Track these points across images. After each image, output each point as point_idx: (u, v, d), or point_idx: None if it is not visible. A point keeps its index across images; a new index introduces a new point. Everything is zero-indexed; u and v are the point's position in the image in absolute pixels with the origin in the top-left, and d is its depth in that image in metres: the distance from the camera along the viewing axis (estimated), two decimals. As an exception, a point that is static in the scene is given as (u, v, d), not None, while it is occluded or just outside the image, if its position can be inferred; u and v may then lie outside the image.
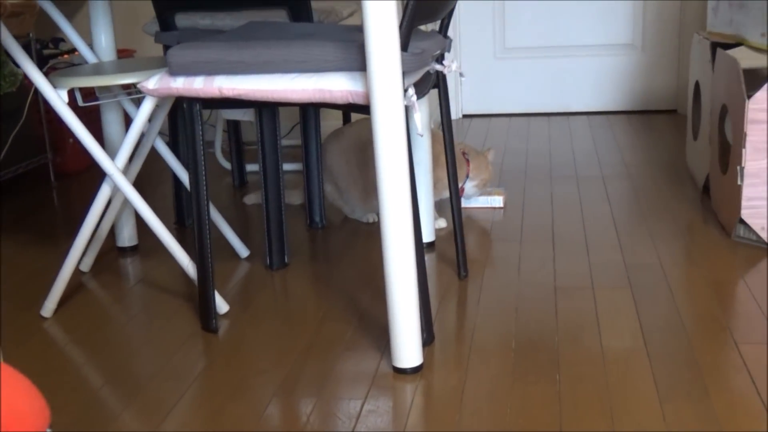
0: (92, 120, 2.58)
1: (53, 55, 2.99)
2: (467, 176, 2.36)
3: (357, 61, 1.47)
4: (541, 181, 2.66)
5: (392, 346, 1.52)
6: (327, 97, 1.49)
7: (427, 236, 2.14)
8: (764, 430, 1.30)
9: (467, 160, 2.35)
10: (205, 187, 1.64)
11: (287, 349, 1.64)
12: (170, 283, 2.00)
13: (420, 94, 1.65)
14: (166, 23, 2.26)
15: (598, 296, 1.80)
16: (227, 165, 2.99)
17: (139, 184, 2.71)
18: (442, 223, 2.29)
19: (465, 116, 3.70)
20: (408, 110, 1.50)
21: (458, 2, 3.57)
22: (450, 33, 3.57)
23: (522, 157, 2.97)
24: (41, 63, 2.90)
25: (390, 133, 1.40)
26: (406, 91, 1.47)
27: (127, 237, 2.23)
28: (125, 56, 3.16)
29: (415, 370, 1.53)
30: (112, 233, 2.25)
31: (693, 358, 1.52)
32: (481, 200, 2.45)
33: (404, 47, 1.45)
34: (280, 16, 2.34)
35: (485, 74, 3.65)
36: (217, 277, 2.02)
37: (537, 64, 3.60)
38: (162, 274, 2.06)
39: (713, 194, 2.30)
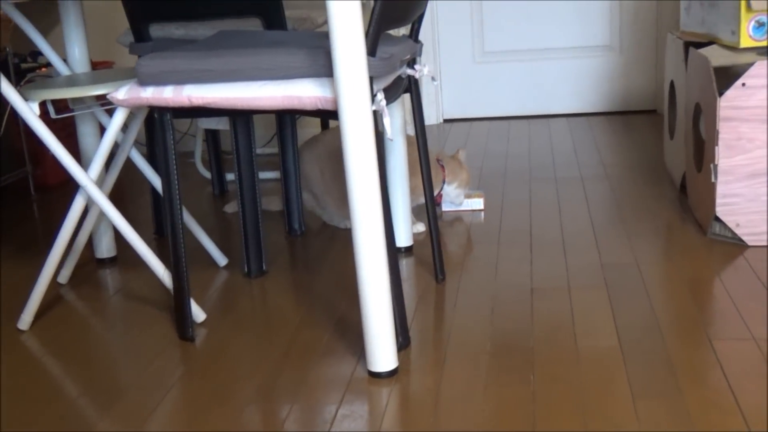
0: (71, 133, 2.58)
1: (31, 69, 2.98)
2: (443, 181, 2.36)
3: (325, 67, 1.48)
4: (520, 184, 2.67)
5: (367, 351, 1.52)
6: (296, 104, 1.49)
7: (405, 241, 2.15)
8: (736, 429, 1.30)
9: (442, 166, 2.36)
10: (178, 196, 1.64)
11: (263, 356, 1.64)
12: (149, 293, 2.00)
13: (391, 98, 1.66)
14: (140, 34, 2.26)
15: (573, 296, 1.81)
16: (207, 174, 2.99)
17: (118, 195, 2.72)
18: (421, 227, 2.29)
19: (446, 121, 3.71)
20: (378, 115, 1.50)
21: (436, 7, 3.58)
22: (428, 38, 3.59)
23: (501, 160, 2.98)
24: (19, 76, 2.90)
25: (358, 139, 1.40)
26: (375, 96, 1.47)
27: (105, 248, 2.22)
28: (104, 68, 3.16)
29: (391, 374, 1.53)
30: (91, 245, 2.25)
31: (667, 356, 1.53)
32: (464, 203, 2.46)
33: (372, 52, 1.45)
34: (254, 25, 2.34)
35: (465, 79, 3.66)
36: (195, 286, 2.02)
37: (516, 68, 3.62)
38: (141, 284, 2.06)
39: (689, 192, 2.32)
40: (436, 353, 1.61)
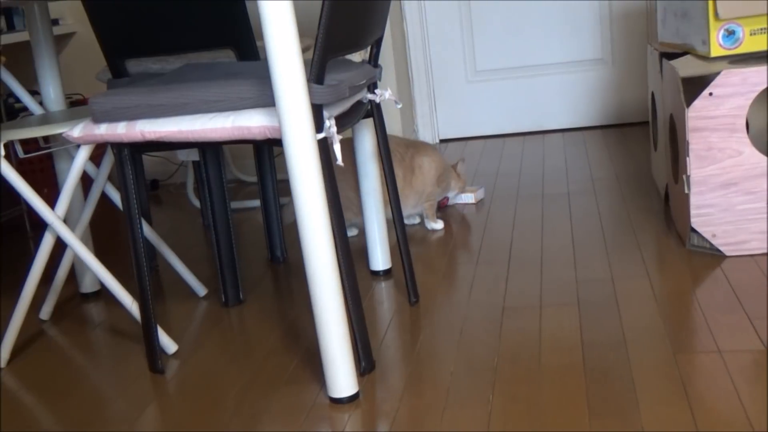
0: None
1: (24, 108, 3.04)
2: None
3: (272, 97, 1.49)
4: (507, 201, 2.67)
5: (326, 377, 1.53)
6: (246, 134, 1.51)
7: (383, 264, 2.15)
8: (687, 441, 1.29)
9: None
10: (139, 230, 1.66)
11: (230, 385, 1.65)
12: (129, 326, 2.02)
13: (348, 124, 1.67)
14: (117, 70, 2.29)
15: (544, 314, 1.80)
16: (198, 204, 3.02)
17: (103, 230, 2.75)
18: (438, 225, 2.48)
19: (442, 141, 3.72)
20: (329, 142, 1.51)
21: (427, 28, 3.60)
22: (420, 59, 3.60)
23: (492, 178, 2.98)
24: (12, 116, 2.95)
25: (303, 167, 1.41)
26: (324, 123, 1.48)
27: (89, 283, 2.25)
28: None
29: (351, 399, 1.53)
30: (76, 280, 2.28)
31: (629, 373, 1.52)
32: (456, 197, 2.71)
33: (319, 80, 1.47)
34: (228, 56, 2.37)
35: (458, 98, 3.67)
36: (172, 317, 2.03)
37: (509, 85, 3.62)
38: (122, 318, 2.08)
39: (671, 204, 2.30)
40: (400, 377, 1.60)
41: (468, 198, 2.72)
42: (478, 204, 2.69)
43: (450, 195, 2.63)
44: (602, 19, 3.50)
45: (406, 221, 2.45)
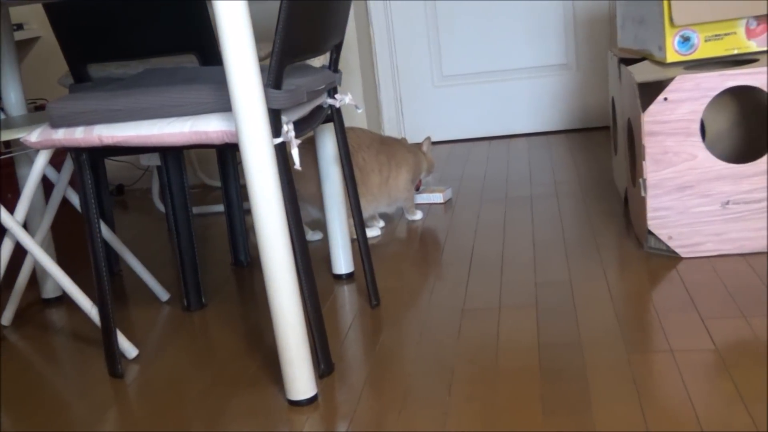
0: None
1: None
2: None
3: (229, 102, 1.50)
4: (471, 205, 2.69)
5: (285, 379, 1.54)
6: (204, 139, 1.52)
7: (346, 268, 2.16)
8: (637, 438, 1.32)
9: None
10: (99, 234, 1.67)
11: (189, 389, 1.66)
12: (91, 331, 2.02)
13: (307, 129, 1.69)
14: (79, 75, 2.29)
15: (502, 316, 1.82)
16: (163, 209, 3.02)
17: (67, 235, 2.74)
18: (375, 232, 2.50)
19: (408, 145, 3.74)
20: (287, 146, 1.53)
21: (393, 33, 3.62)
22: (387, 64, 3.63)
23: (457, 181, 3.00)
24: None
25: (260, 171, 1.42)
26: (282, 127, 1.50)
27: (50, 288, 2.24)
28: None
29: (310, 401, 1.54)
30: (38, 285, 2.27)
31: (583, 373, 1.54)
32: (423, 197, 2.75)
33: (276, 85, 1.48)
34: (191, 61, 2.38)
35: (425, 103, 3.69)
36: (134, 322, 2.04)
37: (475, 90, 3.65)
38: (84, 323, 2.08)
39: (630, 207, 2.34)
40: (359, 379, 1.62)
41: (436, 198, 2.76)
42: (446, 204, 2.72)
43: (421, 176, 2.68)
44: (566, 25, 3.54)
45: (369, 233, 2.47)
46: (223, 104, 1.52)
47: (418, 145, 2.69)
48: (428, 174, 2.71)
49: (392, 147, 2.54)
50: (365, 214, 2.46)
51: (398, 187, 2.53)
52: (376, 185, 2.46)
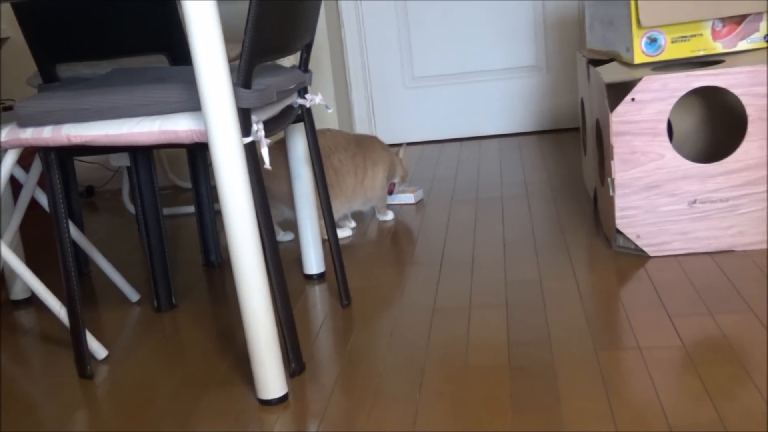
0: None
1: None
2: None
3: (199, 101, 1.50)
4: (442, 205, 2.70)
5: (256, 379, 1.54)
6: (173, 138, 1.51)
7: (317, 268, 2.16)
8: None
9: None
10: (67, 234, 1.66)
11: (159, 389, 1.65)
12: (60, 333, 2.01)
13: (277, 128, 1.69)
14: (48, 75, 2.27)
15: (472, 315, 1.84)
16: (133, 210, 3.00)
17: (36, 236, 2.73)
18: (346, 233, 2.50)
19: (380, 147, 3.74)
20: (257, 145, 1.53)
21: (364, 34, 3.63)
22: (358, 65, 3.63)
23: (428, 182, 3.02)
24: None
25: (230, 170, 1.42)
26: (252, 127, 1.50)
27: (19, 290, 2.23)
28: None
29: (281, 400, 1.54)
30: (6, 287, 2.25)
31: (552, 370, 1.55)
32: (395, 197, 2.76)
33: (246, 84, 1.48)
34: (161, 61, 2.37)
35: (396, 104, 3.70)
36: (104, 322, 2.02)
37: (446, 91, 3.67)
38: (53, 324, 2.06)
39: (599, 207, 2.36)
40: (330, 378, 1.62)
41: (408, 198, 2.77)
42: (417, 205, 2.73)
43: (395, 181, 2.70)
44: (537, 27, 3.56)
45: (340, 233, 2.48)
46: (192, 103, 1.52)
47: (395, 149, 2.71)
48: (402, 182, 2.72)
49: (368, 147, 2.55)
50: (338, 214, 2.47)
51: (374, 186, 2.54)
52: (351, 187, 2.47)
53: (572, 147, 3.33)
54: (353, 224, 2.57)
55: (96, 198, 3.45)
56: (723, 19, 2.10)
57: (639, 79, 1.97)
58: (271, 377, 1.52)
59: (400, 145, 2.75)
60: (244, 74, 1.48)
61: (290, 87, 1.69)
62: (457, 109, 3.68)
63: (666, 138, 1.98)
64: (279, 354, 1.53)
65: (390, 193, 2.71)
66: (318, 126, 3.26)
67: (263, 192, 1.51)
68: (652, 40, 2.13)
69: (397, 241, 2.42)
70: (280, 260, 1.56)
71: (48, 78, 2.27)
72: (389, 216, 2.62)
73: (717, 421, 1.33)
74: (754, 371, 1.47)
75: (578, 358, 1.59)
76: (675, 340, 1.61)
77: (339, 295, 2.02)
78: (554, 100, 3.63)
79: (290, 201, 2.37)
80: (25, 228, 2.92)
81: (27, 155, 2.72)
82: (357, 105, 3.69)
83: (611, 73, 2.12)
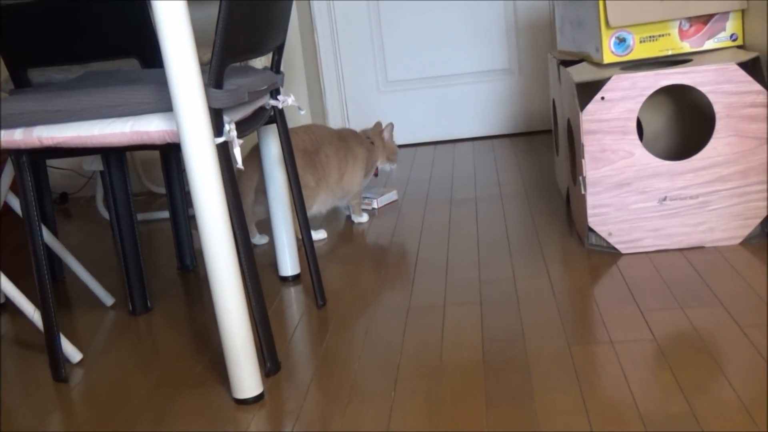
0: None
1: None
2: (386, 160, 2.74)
3: (170, 102, 1.50)
4: (417, 207, 2.72)
5: (231, 378, 1.54)
6: (145, 139, 1.51)
7: (292, 270, 2.17)
8: (580, 429, 1.34)
9: (372, 143, 2.68)
10: (40, 236, 1.65)
11: (134, 391, 1.65)
12: (34, 337, 2.00)
13: (249, 129, 1.69)
14: (19, 80, 2.26)
15: (447, 313, 1.85)
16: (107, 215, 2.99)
17: (9, 241, 2.71)
18: (322, 234, 2.50)
19: (355, 151, 3.75)
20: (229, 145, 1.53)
21: (337, 38, 3.64)
22: (332, 69, 3.64)
23: (402, 185, 3.03)
24: None
25: (202, 170, 1.43)
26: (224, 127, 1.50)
27: (-8, 295, 2.21)
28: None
29: (256, 400, 1.55)
30: (-22, 293, 2.24)
31: (525, 365, 1.57)
32: (384, 198, 2.79)
33: (218, 84, 1.49)
34: (133, 65, 2.37)
35: (370, 108, 3.71)
36: (78, 326, 2.02)
37: (420, 95, 3.68)
38: (27, 329, 2.05)
39: (571, 206, 2.38)
40: (305, 376, 1.63)
41: (393, 195, 2.83)
42: (391, 206, 2.73)
43: (378, 165, 2.72)
44: (508, 30, 3.59)
45: (315, 235, 2.49)
46: (164, 104, 1.52)
47: (378, 132, 2.72)
48: (392, 162, 2.74)
49: (348, 142, 2.57)
50: (323, 208, 2.51)
51: (352, 181, 2.56)
52: (335, 181, 2.49)
53: (545, 149, 3.36)
54: (323, 235, 2.56)
55: (70, 204, 3.44)
56: (690, 19, 2.13)
57: (608, 78, 2.00)
58: (246, 376, 1.53)
59: (385, 125, 2.76)
60: (215, 74, 1.48)
61: (262, 88, 1.70)
62: (431, 113, 3.70)
63: (636, 136, 2.01)
64: (254, 353, 1.53)
65: (376, 174, 2.74)
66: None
67: (236, 191, 1.52)
68: (621, 40, 2.15)
69: (371, 242, 2.43)
70: (253, 259, 1.57)
71: (20, 83, 2.26)
72: (364, 218, 2.63)
73: (689, 413, 1.34)
74: (725, 364, 1.49)
75: (552, 353, 1.60)
76: (647, 334, 1.63)
77: (314, 296, 2.02)
78: (527, 103, 3.66)
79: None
80: (-3, 235, 2.90)
81: (-1, 161, 2.71)
82: (331, 108, 3.70)
83: (581, 72, 2.15)
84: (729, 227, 2.03)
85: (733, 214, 2.02)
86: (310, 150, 2.43)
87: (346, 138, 2.58)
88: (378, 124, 2.75)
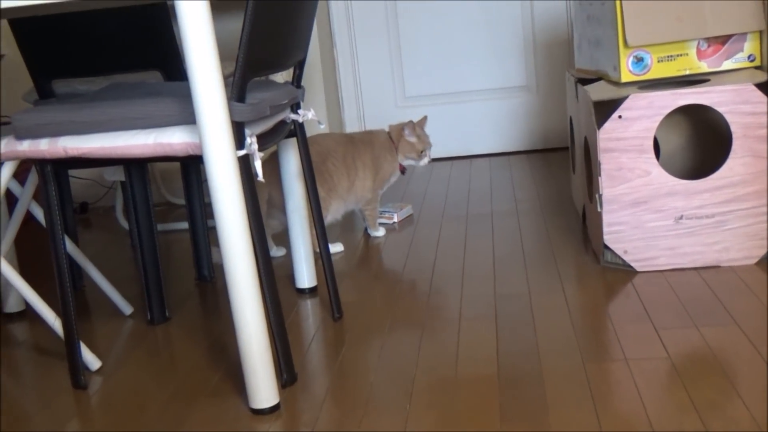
0: None
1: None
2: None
3: (194, 114, 1.53)
4: (433, 222, 2.73)
5: (248, 388, 1.56)
6: (168, 151, 1.54)
7: (309, 282, 2.19)
8: (591, 441, 1.35)
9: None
10: (63, 246, 1.68)
11: (151, 399, 1.67)
12: (53, 344, 2.02)
13: (270, 142, 1.72)
14: (44, 91, 2.30)
15: (462, 327, 1.86)
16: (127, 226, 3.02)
17: (30, 251, 2.72)
18: (339, 248, 2.53)
19: (372, 165, 3.78)
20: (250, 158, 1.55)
21: (356, 53, 3.67)
22: (351, 84, 3.67)
23: (419, 199, 3.05)
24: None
25: (223, 182, 1.45)
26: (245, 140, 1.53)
27: (14, 303, 2.24)
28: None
29: (272, 410, 1.56)
30: (0, 300, 2.27)
31: (540, 380, 1.58)
32: (403, 213, 2.81)
33: (240, 98, 1.51)
34: (156, 78, 2.40)
35: (387, 123, 3.72)
36: (97, 335, 2.04)
37: (437, 111, 3.71)
38: (46, 336, 2.08)
39: (587, 223, 2.39)
40: (321, 388, 1.64)
41: (408, 210, 2.85)
42: (408, 220, 2.75)
43: (404, 162, 2.66)
44: (526, 48, 3.61)
45: (332, 248, 2.51)
46: (187, 117, 1.55)
47: (399, 129, 2.65)
48: (419, 157, 2.65)
49: (357, 148, 2.58)
50: (337, 215, 2.54)
51: (364, 187, 2.58)
52: (345, 189, 2.53)
53: (561, 166, 3.37)
54: (283, 251, 2.57)
55: (90, 214, 3.47)
56: (708, 39, 2.14)
57: (626, 97, 2.01)
58: (263, 387, 1.54)
59: (417, 121, 2.68)
60: (238, 88, 1.51)
61: (283, 102, 1.72)
62: (449, 129, 3.72)
63: (652, 155, 2.02)
64: (271, 364, 1.55)
65: (402, 172, 2.68)
66: (310, 144, 3.28)
67: (256, 203, 1.54)
68: (639, 60, 2.17)
69: (388, 256, 2.44)
70: (272, 271, 1.59)
71: (44, 94, 2.30)
72: (380, 232, 2.65)
73: (701, 430, 1.35)
74: (739, 382, 1.49)
75: (566, 369, 1.61)
76: (661, 352, 1.64)
77: (331, 309, 2.04)
78: (544, 120, 3.67)
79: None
80: (18, 242, 2.93)
81: (22, 170, 2.74)
82: (349, 123, 3.72)
83: (599, 91, 2.16)
84: (745, 247, 2.04)
85: (749, 234, 2.03)
86: (316, 161, 2.45)
87: (357, 143, 2.60)
88: (407, 123, 2.65)
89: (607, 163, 2.04)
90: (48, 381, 1.82)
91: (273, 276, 1.59)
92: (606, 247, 2.10)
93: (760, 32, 2.14)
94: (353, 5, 3.64)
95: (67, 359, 1.76)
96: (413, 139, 2.65)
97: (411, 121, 2.65)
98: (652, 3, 2.11)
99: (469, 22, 3.60)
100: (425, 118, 2.71)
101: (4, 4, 1.47)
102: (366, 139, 2.64)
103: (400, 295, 2.10)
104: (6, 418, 1.66)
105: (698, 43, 2.15)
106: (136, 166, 1.99)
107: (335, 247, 2.52)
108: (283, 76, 2.06)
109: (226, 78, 2.52)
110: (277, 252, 2.54)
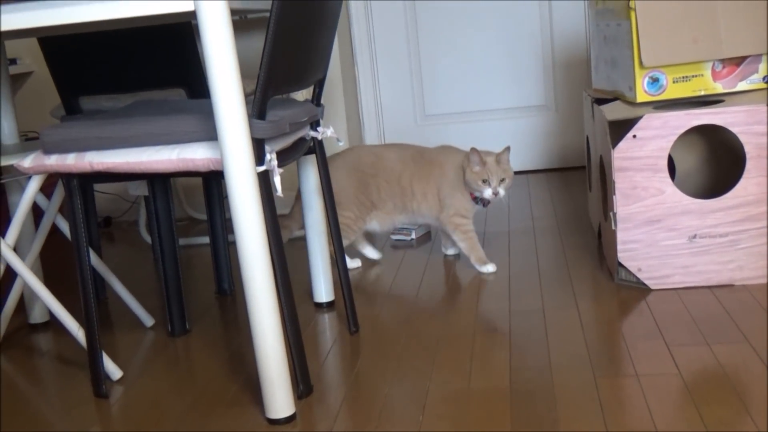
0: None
1: None
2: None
3: (215, 131, 1.57)
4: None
5: (264, 399, 1.59)
6: (190, 166, 1.59)
7: (326, 296, 2.22)
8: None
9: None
10: (87, 258, 1.73)
11: (171, 408, 1.71)
12: (76, 354, 2.07)
13: (290, 159, 1.76)
14: (71, 107, 2.36)
15: (476, 342, 1.89)
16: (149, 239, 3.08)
17: (54, 263, 2.79)
18: (356, 263, 2.56)
19: (391, 182, 3.82)
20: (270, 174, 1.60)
21: (377, 72, 3.72)
22: (371, 102, 3.72)
23: (436, 217, 3.08)
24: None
25: (243, 197, 1.49)
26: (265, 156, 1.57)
27: (38, 314, 2.29)
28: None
29: (288, 420, 1.60)
30: (25, 311, 2.32)
31: (552, 395, 1.60)
32: (420, 229, 2.85)
33: (261, 115, 1.56)
34: (179, 95, 2.46)
35: (408, 140, 3.78)
36: (119, 346, 2.09)
37: (457, 129, 3.74)
38: (69, 347, 2.13)
39: (603, 241, 2.41)
40: (336, 399, 1.67)
41: (425, 228, 2.88)
42: (421, 239, 2.78)
43: (494, 190, 2.35)
44: (545, 68, 3.65)
45: (350, 263, 2.54)
46: (209, 133, 1.60)
47: (495, 156, 2.38)
48: (495, 193, 2.33)
49: (425, 170, 2.44)
50: (381, 228, 2.53)
51: (430, 210, 2.45)
52: (393, 208, 2.49)
53: (579, 184, 3.39)
54: (358, 263, 2.61)
55: (113, 228, 3.53)
56: (723, 61, 2.17)
57: (640, 117, 2.04)
58: (279, 397, 1.58)
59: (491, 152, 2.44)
60: (258, 106, 1.55)
61: (303, 119, 1.76)
62: (467, 147, 3.75)
63: (666, 174, 2.05)
64: (288, 376, 1.58)
65: (483, 205, 2.43)
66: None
67: (275, 218, 1.58)
68: (654, 80, 2.20)
69: (405, 272, 2.48)
70: (290, 284, 1.62)
71: (71, 110, 2.36)
72: (488, 268, 2.40)
73: (710, 445, 1.37)
74: (749, 400, 1.51)
75: (578, 384, 1.64)
76: (673, 369, 1.66)
77: (348, 322, 2.08)
78: (562, 139, 3.70)
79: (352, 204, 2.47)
80: (43, 254, 2.99)
81: (49, 184, 2.81)
82: (369, 141, 3.77)
83: (614, 111, 2.19)
84: (758, 266, 2.06)
85: (763, 253, 2.05)
86: (368, 172, 2.45)
87: (425, 164, 2.45)
88: (471, 150, 2.38)
89: (621, 181, 2.07)
90: (70, 390, 1.86)
91: (290, 289, 1.63)
92: (620, 264, 2.13)
93: (775, 54, 2.16)
94: (374, 24, 3.69)
95: (90, 369, 1.81)
96: (477, 168, 2.36)
97: (507, 147, 2.40)
98: (667, 24, 2.14)
99: (488, 42, 3.64)
100: (508, 149, 2.41)
101: (5, 27, 1.51)
102: (437, 161, 2.46)
103: (415, 310, 2.13)
104: (29, 425, 1.70)
105: (713, 64, 2.17)
106: (159, 181, 2.04)
107: (353, 263, 2.55)
108: (303, 94, 2.10)
109: (247, 96, 2.57)
110: (352, 263, 2.56)
